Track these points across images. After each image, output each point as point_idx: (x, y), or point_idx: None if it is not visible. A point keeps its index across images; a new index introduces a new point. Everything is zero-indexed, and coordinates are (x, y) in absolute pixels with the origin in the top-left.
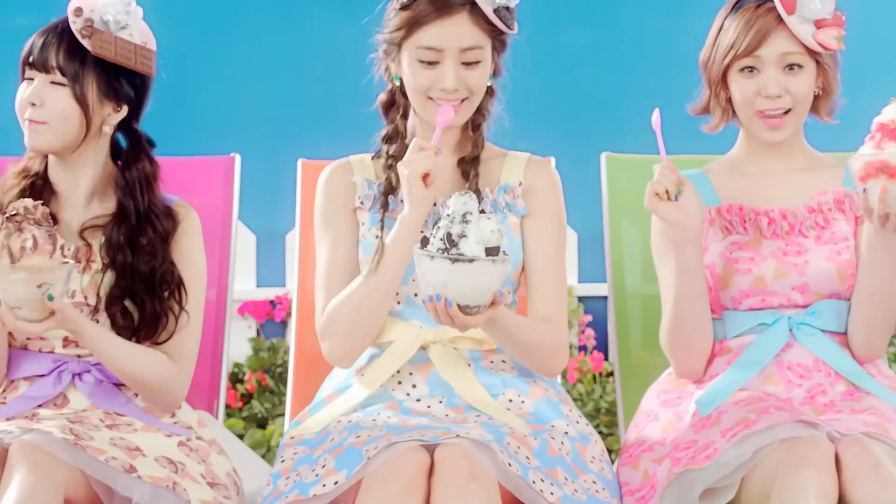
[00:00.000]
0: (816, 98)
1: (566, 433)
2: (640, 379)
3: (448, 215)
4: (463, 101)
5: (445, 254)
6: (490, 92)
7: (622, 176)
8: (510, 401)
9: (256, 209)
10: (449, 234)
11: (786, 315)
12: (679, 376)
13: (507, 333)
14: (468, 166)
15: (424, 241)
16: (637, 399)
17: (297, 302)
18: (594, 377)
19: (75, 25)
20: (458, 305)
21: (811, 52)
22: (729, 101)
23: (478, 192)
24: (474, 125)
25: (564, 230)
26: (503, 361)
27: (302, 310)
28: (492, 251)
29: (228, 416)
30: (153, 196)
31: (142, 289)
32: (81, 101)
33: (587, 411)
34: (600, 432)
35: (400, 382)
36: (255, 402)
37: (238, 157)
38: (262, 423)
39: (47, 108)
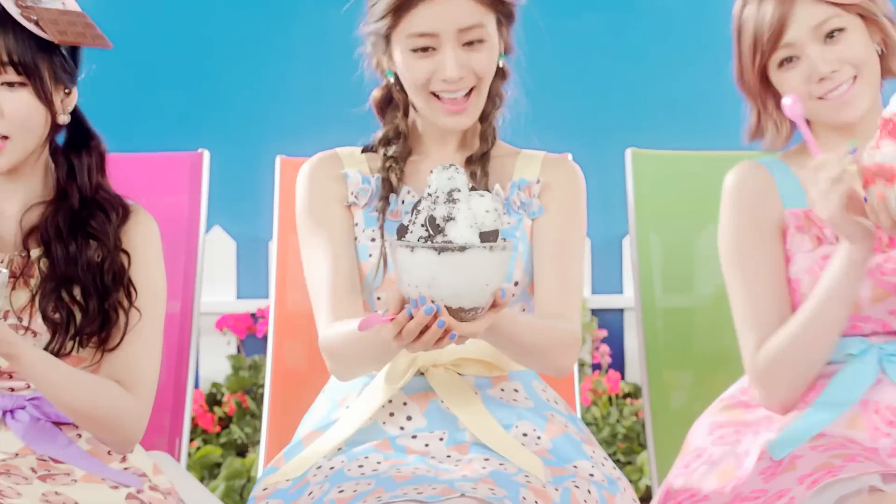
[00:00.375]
0: (882, 57)
1: (591, 476)
2: (671, 404)
3: (430, 195)
4: (471, 91)
5: (429, 242)
6: (501, 74)
7: (650, 174)
8: (524, 435)
9: (236, 213)
10: (432, 218)
11: (876, 344)
12: (768, 407)
13: (511, 339)
14: (476, 165)
15: (402, 230)
16: (669, 427)
17: (274, 314)
18: (610, 399)
19: (12, 8)
20: (450, 308)
21: (847, 7)
22: (779, 107)
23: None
24: (483, 114)
25: (581, 229)
26: (515, 391)
27: (280, 323)
28: (488, 236)
29: (205, 442)
30: (102, 179)
31: (84, 281)
32: (45, 97)
33: (602, 437)
34: (617, 461)
35: (392, 414)
36: (235, 427)
37: (207, 154)
38: (241, 451)
39: (8, 118)
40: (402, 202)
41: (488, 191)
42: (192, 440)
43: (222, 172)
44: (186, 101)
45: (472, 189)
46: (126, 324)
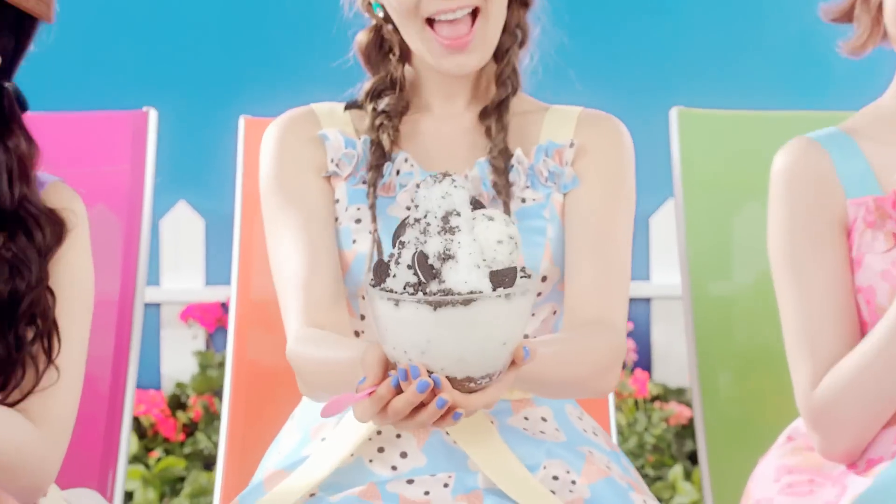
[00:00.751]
0: None
1: None
2: (726, 412)
3: (417, 221)
4: (475, 15)
5: (420, 294)
6: (520, 35)
7: (700, 137)
8: (555, 478)
9: (205, 186)
10: (422, 256)
11: None
12: (828, 456)
13: (538, 383)
14: (490, 119)
15: (381, 271)
16: (725, 445)
17: (236, 303)
18: (636, 403)
19: None
20: (454, 379)
21: None
22: (879, 8)
23: (506, 154)
24: (499, 51)
25: (628, 206)
26: (543, 420)
27: (244, 314)
28: (503, 278)
29: (167, 452)
30: (28, 189)
31: None
32: None
33: (629, 448)
34: (645, 476)
35: (381, 450)
36: (201, 436)
37: (153, 113)
38: (208, 463)
39: None
40: (398, 173)
41: (506, 150)
42: (151, 450)
43: (183, 137)
44: (132, 50)
45: (476, 206)
46: (36, 383)
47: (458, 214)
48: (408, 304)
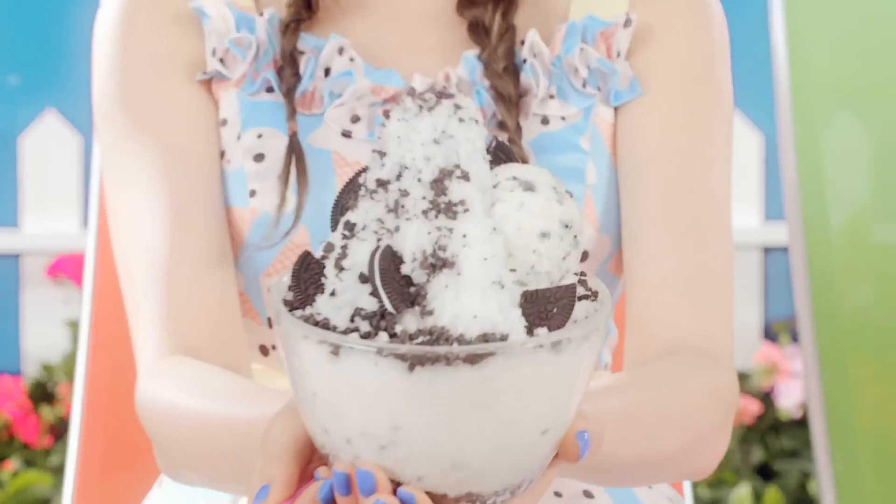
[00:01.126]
0: None
1: None
2: (856, 408)
3: (382, 184)
4: None
5: (381, 336)
6: None
7: (811, 20)
8: None
9: (80, 89)
10: (388, 259)
11: None
12: None
13: (595, 470)
14: (482, 9)
15: (305, 280)
16: (853, 451)
17: (95, 250)
18: None
19: None
20: (441, 497)
21: None
22: None
23: (514, 75)
24: None
25: (728, 128)
26: (586, 496)
27: (106, 273)
28: (548, 305)
29: (27, 463)
30: None
31: None
32: None
33: None
34: (699, 499)
35: None
36: None
37: None
38: None
39: None
40: (327, 72)
41: (511, 47)
42: (4, 460)
43: (39, 19)
44: None
45: (498, 157)
46: None
47: (465, 177)
48: (358, 354)
